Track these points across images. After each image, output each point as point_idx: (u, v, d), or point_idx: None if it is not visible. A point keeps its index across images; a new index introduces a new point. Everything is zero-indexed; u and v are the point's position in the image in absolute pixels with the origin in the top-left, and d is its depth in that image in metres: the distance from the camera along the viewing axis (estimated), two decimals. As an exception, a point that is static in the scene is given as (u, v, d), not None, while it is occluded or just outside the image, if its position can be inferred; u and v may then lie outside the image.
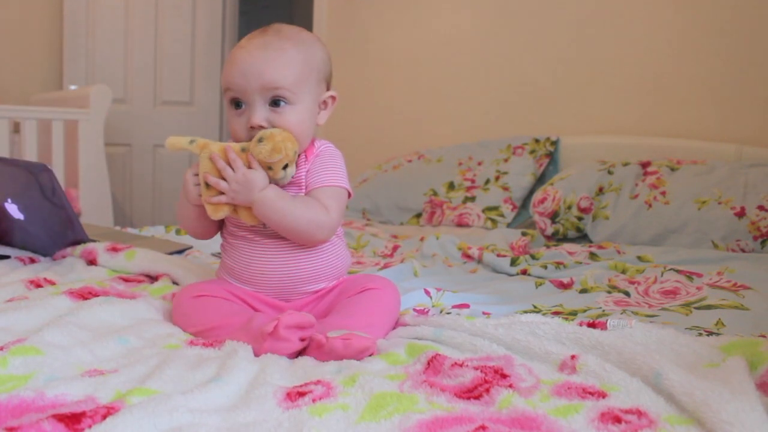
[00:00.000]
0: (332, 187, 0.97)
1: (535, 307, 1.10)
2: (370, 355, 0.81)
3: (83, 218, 2.63)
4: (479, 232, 2.02)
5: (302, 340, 0.82)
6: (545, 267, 1.42)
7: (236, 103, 0.95)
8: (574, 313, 1.04)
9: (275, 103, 0.93)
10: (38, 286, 1.09)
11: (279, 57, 0.93)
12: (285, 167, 0.92)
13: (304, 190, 0.97)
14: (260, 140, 0.90)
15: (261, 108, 0.93)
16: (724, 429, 0.54)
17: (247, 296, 0.97)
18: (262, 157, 0.90)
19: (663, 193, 1.79)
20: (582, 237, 1.89)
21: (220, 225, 1.03)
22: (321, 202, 0.95)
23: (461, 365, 0.72)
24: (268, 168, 0.92)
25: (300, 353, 0.83)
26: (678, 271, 1.28)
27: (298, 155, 0.97)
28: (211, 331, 0.88)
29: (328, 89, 1.02)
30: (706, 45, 2.11)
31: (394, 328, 0.95)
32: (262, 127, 0.93)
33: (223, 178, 0.92)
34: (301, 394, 0.65)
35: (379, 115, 2.94)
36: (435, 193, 2.26)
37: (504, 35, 2.57)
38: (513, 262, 1.47)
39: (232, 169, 0.91)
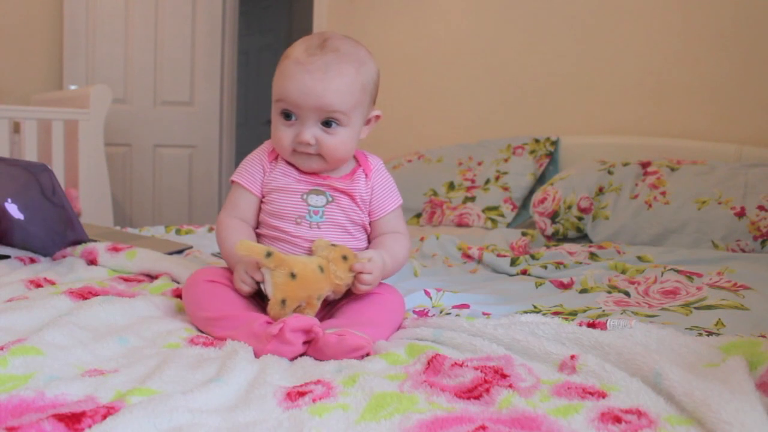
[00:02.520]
0: (397, 208, 1.06)
1: (535, 307, 1.10)
2: (367, 355, 0.81)
3: (83, 218, 2.63)
4: (479, 232, 2.02)
5: (305, 343, 0.82)
6: (545, 267, 1.42)
7: (286, 115, 0.97)
8: (574, 313, 1.04)
9: (327, 123, 0.96)
10: (38, 286, 1.09)
11: (339, 81, 0.95)
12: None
13: (366, 205, 1.02)
14: (344, 258, 0.92)
15: (313, 126, 0.96)
16: (724, 429, 0.54)
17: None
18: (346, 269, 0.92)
19: (663, 193, 1.79)
20: (582, 237, 1.89)
21: (256, 225, 1.05)
22: (397, 229, 1.05)
23: (461, 365, 0.72)
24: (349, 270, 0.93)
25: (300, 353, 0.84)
26: (678, 271, 1.28)
27: (356, 168, 1.04)
28: (219, 320, 0.88)
29: (373, 105, 1.05)
30: (707, 45, 2.11)
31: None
32: (309, 144, 0.96)
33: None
34: (301, 394, 0.65)
35: (379, 115, 2.94)
36: (435, 193, 2.27)
37: (504, 35, 2.57)
38: (513, 262, 1.47)
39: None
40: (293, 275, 0.87)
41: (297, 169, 1.01)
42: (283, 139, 0.98)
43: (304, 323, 0.81)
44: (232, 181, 1.05)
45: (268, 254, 0.86)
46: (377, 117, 1.05)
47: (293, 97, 0.95)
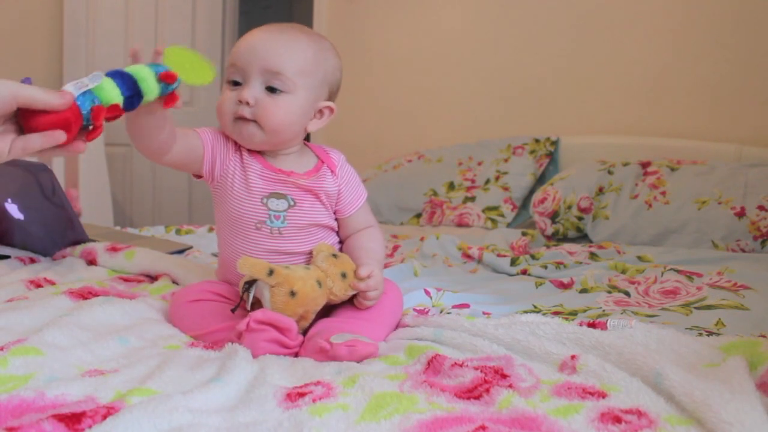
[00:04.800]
0: (365, 202, 1.05)
1: (535, 307, 1.10)
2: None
3: (83, 218, 2.62)
4: (479, 232, 2.01)
5: (283, 345, 0.82)
6: (545, 267, 1.42)
7: (234, 82, 0.94)
8: (574, 313, 1.04)
9: (271, 89, 0.93)
10: (38, 286, 1.09)
11: (290, 45, 0.93)
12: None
13: (332, 202, 1.00)
14: (344, 275, 0.92)
15: (256, 87, 0.92)
16: (724, 429, 0.54)
17: None
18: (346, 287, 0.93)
19: (663, 193, 1.79)
20: (582, 237, 1.89)
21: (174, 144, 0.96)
22: (369, 222, 1.04)
23: (461, 365, 0.72)
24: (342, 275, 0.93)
25: (298, 354, 0.84)
26: (678, 271, 1.28)
27: (319, 165, 1.00)
28: (209, 335, 0.88)
29: (330, 100, 1.00)
30: (706, 45, 2.11)
31: (395, 329, 0.95)
32: (247, 103, 0.92)
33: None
34: (301, 395, 0.65)
35: (379, 115, 2.94)
36: (435, 193, 2.26)
37: (504, 35, 2.57)
38: (513, 262, 1.47)
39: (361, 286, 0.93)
40: (293, 293, 0.86)
41: (260, 163, 0.97)
42: (225, 103, 0.93)
43: (270, 317, 0.81)
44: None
45: (270, 272, 0.85)
46: (331, 110, 0.99)
47: (242, 55, 0.93)
